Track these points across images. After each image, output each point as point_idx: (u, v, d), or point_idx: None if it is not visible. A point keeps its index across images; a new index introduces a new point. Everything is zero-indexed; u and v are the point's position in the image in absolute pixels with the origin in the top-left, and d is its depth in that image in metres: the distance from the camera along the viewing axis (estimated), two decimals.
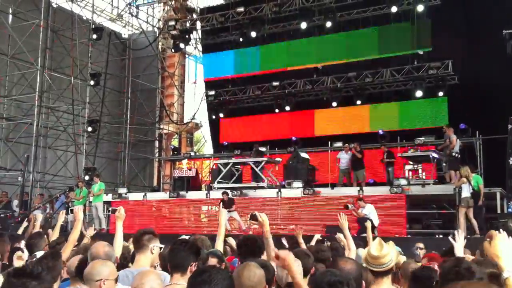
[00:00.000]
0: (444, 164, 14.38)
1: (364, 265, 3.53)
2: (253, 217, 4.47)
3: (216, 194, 16.03)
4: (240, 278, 2.81)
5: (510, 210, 12.09)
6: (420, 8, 17.51)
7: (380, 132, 17.39)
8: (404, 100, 18.81)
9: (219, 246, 4.88)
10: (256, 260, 3.30)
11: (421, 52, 18.05)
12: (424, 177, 14.50)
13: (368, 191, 14.21)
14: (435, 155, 14.34)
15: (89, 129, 19.71)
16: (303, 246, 6.16)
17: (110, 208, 16.62)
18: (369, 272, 3.51)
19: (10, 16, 20.18)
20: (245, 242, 4.38)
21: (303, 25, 18.84)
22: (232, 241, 6.93)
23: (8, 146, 19.25)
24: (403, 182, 13.85)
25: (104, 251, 3.87)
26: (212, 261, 4.34)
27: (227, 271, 2.62)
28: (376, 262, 3.43)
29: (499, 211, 12.46)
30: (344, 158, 16.18)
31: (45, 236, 6.05)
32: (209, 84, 23.24)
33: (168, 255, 3.58)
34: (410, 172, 15.01)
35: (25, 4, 19.89)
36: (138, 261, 4.04)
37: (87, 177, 17.76)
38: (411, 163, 14.98)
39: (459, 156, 13.81)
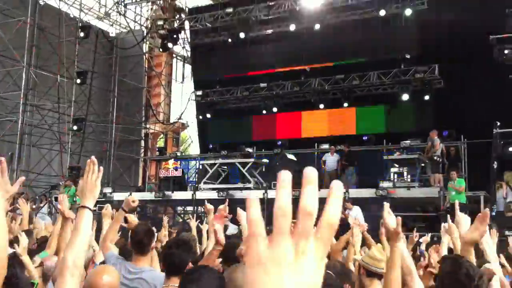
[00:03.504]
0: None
1: (363, 263, 3.53)
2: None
3: (202, 195, 15.99)
4: (231, 280, 2.80)
5: (493, 214, 12.17)
6: (408, 12, 17.61)
7: (364, 138, 17.44)
8: (391, 103, 18.90)
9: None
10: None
11: (408, 56, 18.15)
12: (409, 180, 14.58)
13: (353, 193, 14.25)
14: (420, 158, 14.46)
15: (75, 127, 19.57)
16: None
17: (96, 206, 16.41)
18: (364, 274, 3.51)
19: None
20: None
21: (292, 27, 18.87)
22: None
23: None
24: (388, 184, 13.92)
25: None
26: None
27: (217, 271, 2.60)
28: (378, 265, 3.45)
29: None
30: (330, 160, 16.19)
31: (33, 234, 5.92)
32: (197, 84, 23.18)
33: (165, 256, 3.51)
34: (396, 175, 15.08)
35: (12, 0, 19.67)
36: (141, 261, 3.83)
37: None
38: (396, 165, 15.06)
39: (440, 159, 13.93)
